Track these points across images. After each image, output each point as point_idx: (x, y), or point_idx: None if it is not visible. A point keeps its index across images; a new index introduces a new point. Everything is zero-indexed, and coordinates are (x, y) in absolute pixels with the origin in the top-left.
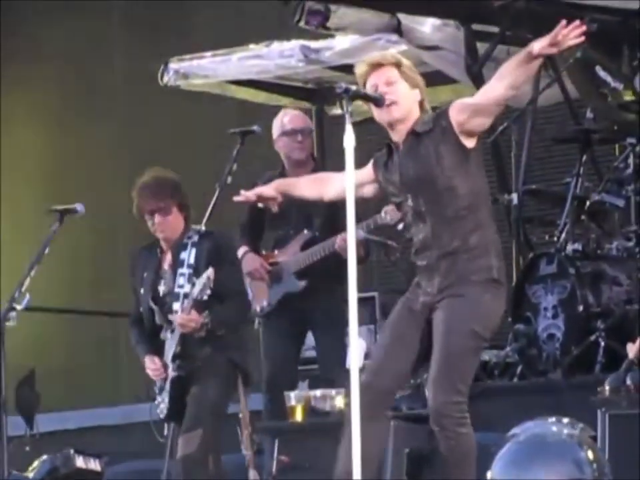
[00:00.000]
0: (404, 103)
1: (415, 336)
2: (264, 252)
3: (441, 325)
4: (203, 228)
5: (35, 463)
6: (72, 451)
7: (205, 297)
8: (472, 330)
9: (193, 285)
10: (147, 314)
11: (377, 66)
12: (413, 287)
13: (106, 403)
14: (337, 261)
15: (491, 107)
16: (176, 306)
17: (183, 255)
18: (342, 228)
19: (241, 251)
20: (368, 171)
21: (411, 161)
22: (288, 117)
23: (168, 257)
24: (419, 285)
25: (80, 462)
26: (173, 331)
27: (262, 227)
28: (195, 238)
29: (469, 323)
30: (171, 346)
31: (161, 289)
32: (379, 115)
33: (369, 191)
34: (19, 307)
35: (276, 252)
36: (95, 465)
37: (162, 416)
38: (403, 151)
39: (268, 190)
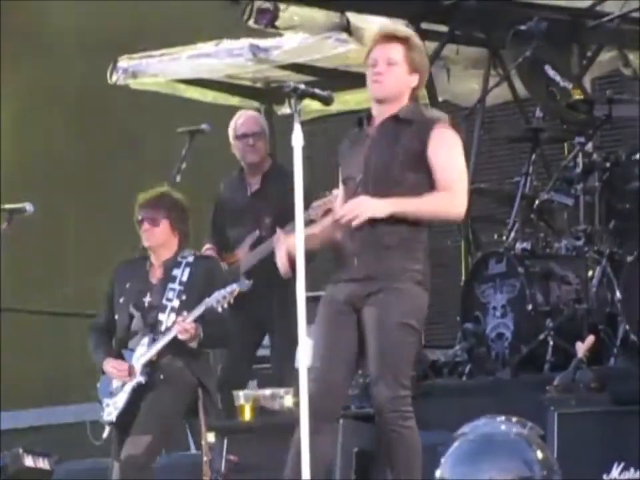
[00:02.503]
0: (391, 86)
1: (349, 328)
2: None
3: (374, 321)
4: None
5: None
6: (21, 450)
7: (220, 309)
8: (406, 323)
9: (182, 300)
10: (123, 321)
11: (387, 39)
12: (336, 277)
13: (56, 401)
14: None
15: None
16: (162, 317)
17: (176, 272)
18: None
19: (204, 248)
20: None
21: (381, 142)
22: (241, 120)
23: (157, 272)
24: (343, 271)
25: (29, 461)
26: (154, 339)
27: (225, 227)
28: (190, 259)
29: (403, 316)
30: (145, 352)
31: (146, 300)
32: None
33: None
34: None
35: (237, 252)
36: (44, 463)
37: (109, 418)
38: (377, 131)
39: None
